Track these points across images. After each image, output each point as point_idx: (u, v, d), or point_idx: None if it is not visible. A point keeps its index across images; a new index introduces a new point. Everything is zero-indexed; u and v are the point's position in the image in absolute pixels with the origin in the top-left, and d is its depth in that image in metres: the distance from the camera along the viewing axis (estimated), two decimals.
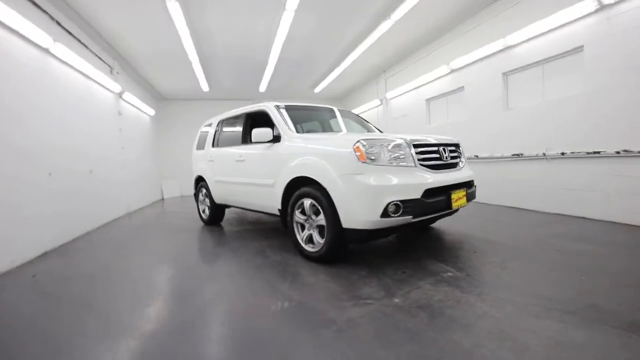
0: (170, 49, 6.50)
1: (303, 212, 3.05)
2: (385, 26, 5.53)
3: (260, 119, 3.92)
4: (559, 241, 3.19)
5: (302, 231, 3.10)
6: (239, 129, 4.33)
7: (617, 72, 3.66)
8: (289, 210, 3.16)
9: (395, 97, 8.25)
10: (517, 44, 4.83)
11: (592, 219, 4.00)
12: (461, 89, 6.15)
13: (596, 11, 3.77)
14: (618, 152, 3.68)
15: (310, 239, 3.02)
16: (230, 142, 4.48)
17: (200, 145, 5.30)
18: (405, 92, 7.84)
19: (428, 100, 7.18)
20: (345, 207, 2.60)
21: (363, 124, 4.42)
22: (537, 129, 4.64)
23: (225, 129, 4.77)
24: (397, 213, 2.51)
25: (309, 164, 2.91)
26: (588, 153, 3.99)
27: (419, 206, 2.58)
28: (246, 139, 4.13)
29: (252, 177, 3.79)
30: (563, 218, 4.18)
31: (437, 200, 2.69)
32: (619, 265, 2.54)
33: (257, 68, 7.79)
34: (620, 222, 3.73)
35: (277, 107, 3.73)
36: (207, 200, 5.04)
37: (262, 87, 9.57)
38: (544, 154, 4.50)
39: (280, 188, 3.26)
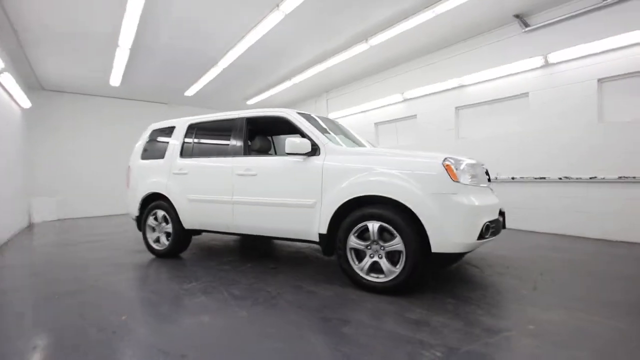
0: (94, 30, 4.96)
1: (360, 237, 2.65)
2: (343, 56, 5.81)
3: (266, 127, 3.29)
4: (541, 251, 3.77)
5: (360, 259, 2.67)
6: (228, 137, 3.54)
7: (555, 117, 4.69)
8: (341, 235, 2.69)
9: (339, 117, 8.46)
10: (470, 85, 5.68)
11: (540, 232, 4.91)
12: (414, 116, 6.77)
13: (542, 67, 4.80)
14: (560, 178, 4.67)
15: (372, 268, 2.62)
16: (218, 152, 3.60)
17: (155, 154, 4.09)
18: (352, 114, 8.13)
19: (377, 124, 7.62)
20: (438, 229, 2.36)
21: (352, 136, 4.18)
22: (487, 157, 5.47)
23: (205, 135, 3.83)
24: (487, 234, 2.45)
25: (384, 182, 2.56)
26: (535, 178, 4.93)
27: (498, 226, 2.60)
28: (247, 149, 3.40)
29: (274, 195, 3.09)
30: (516, 231, 5.00)
31: (502, 220, 2.77)
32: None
33: (199, 67, 6.71)
34: (561, 234, 4.69)
35: (303, 114, 3.22)
36: (169, 226, 3.86)
37: (191, 91, 8.29)
38: (496, 178, 5.32)
39: (329, 209, 2.75)
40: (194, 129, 3.88)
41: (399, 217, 2.47)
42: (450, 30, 5.35)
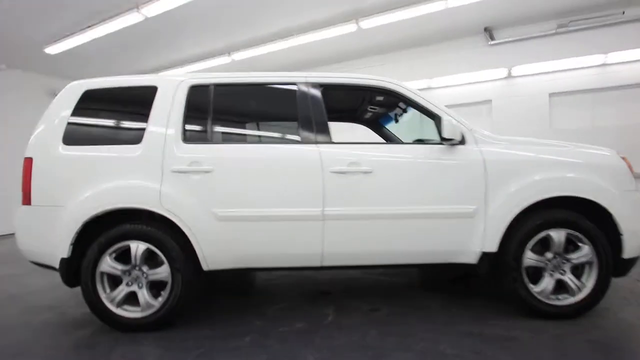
0: None
1: (534, 251, 2.07)
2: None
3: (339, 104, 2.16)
4: None
5: (535, 280, 2.08)
6: (287, 112, 2.22)
7: (514, 121, 5.38)
8: (513, 250, 2.03)
9: None
10: (439, 87, 5.87)
11: None
12: None
13: (505, 78, 5.40)
14: None
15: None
16: (267, 138, 2.19)
17: (106, 137, 2.20)
18: None
19: None
20: (633, 230, 2.06)
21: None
22: None
23: (235, 107, 2.29)
24: None
25: (574, 178, 2.04)
26: None
27: None
28: (329, 132, 2.18)
29: (406, 203, 2.05)
30: None
31: None
32: None
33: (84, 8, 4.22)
34: None
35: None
36: (160, 270, 2.06)
37: (57, 48, 5.21)
38: None
39: (503, 217, 2.02)
40: (206, 95, 2.23)
41: (587, 221, 2.04)
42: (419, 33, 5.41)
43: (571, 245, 2.08)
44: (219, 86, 2.24)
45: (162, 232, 2.06)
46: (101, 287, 2.08)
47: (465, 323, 2.07)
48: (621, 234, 2.04)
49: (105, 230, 2.06)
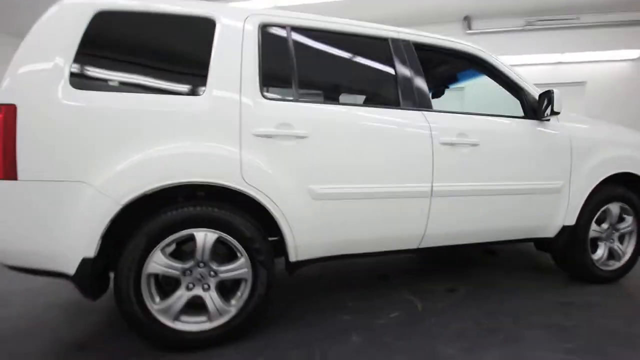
0: None
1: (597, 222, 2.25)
2: None
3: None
4: None
5: (594, 249, 2.26)
6: (383, 71, 1.89)
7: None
8: (585, 221, 2.16)
9: None
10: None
11: None
12: None
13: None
14: None
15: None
16: (364, 97, 1.82)
17: (133, 81, 1.52)
18: None
19: None
20: None
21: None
22: None
23: (321, 59, 1.83)
24: None
25: (634, 157, 2.23)
26: None
27: None
28: (428, 99, 1.92)
29: (510, 178, 1.97)
30: None
31: None
32: None
33: None
34: None
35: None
36: (237, 264, 1.55)
37: None
38: None
39: (582, 192, 2.11)
40: (283, 39, 1.72)
41: (634, 195, 2.29)
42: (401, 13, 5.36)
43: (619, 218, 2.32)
44: (297, 29, 1.75)
45: (240, 215, 1.54)
46: (148, 294, 1.48)
47: (548, 293, 2.14)
48: None
49: (145, 216, 1.45)
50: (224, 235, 1.53)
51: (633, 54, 5.22)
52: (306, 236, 1.65)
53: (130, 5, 1.52)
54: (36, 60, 1.39)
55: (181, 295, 1.52)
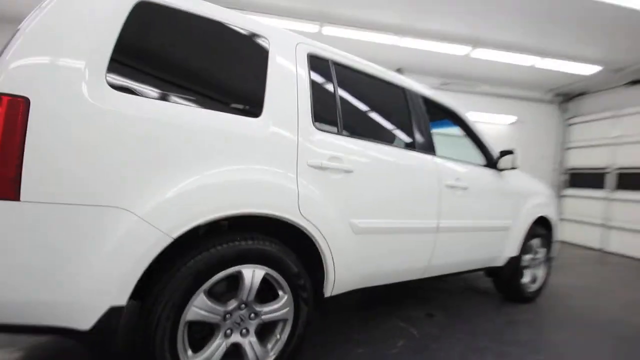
0: None
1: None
2: None
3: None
4: None
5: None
6: (399, 115, 2.09)
7: None
8: (520, 255, 2.75)
9: None
10: None
11: None
12: None
13: None
14: None
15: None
16: (389, 139, 1.97)
17: (188, 89, 1.35)
18: None
19: None
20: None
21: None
22: None
23: (358, 96, 1.88)
24: None
25: (545, 203, 2.95)
26: None
27: None
28: (433, 145, 2.19)
29: (483, 217, 2.36)
30: None
31: None
32: None
33: None
34: None
35: None
36: (277, 306, 1.41)
37: None
38: None
39: (521, 229, 2.68)
40: (327, 72, 1.74)
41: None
42: None
43: None
44: (338, 65, 1.81)
45: (284, 250, 1.45)
46: (182, 348, 1.23)
47: (498, 313, 2.59)
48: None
49: (179, 251, 1.23)
50: (271, 271, 1.40)
51: (510, 119, 6.91)
52: (344, 270, 1.64)
53: (179, 3, 1.32)
54: (58, 45, 1.07)
55: (220, 345, 1.30)
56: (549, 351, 2.06)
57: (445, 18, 4.51)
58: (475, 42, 5.03)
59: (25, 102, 0.99)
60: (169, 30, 1.31)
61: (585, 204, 6.54)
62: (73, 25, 1.10)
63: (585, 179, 6.67)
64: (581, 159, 6.87)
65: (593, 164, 6.45)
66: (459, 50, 5.17)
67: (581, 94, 7.00)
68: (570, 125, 7.26)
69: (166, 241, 1.14)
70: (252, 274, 1.34)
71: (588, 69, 5.50)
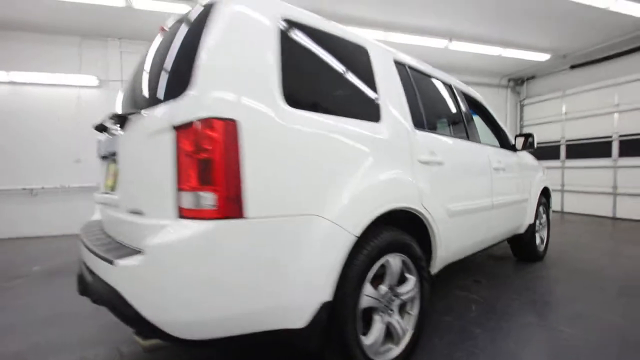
0: None
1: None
2: None
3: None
4: None
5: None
6: (452, 110, 2.37)
7: None
8: (535, 221, 3.23)
9: None
10: None
11: None
12: None
13: None
14: None
15: None
16: (451, 130, 2.25)
17: (331, 100, 1.50)
18: None
19: None
20: None
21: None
22: None
23: (428, 96, 2.10)
24: None
25: (545, 177, 3.47)
26: None
27: None
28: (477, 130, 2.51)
29: (515, 192, 2.75)
30: None
31: None
32: None
33: None
34: None
35: None
36: (408, 286, 1.60)
37: None
38: None
39: (535, 200, 3.14)
40: (407, 76, 1.94)
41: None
42: None
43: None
44: (412, 70, 2.02)
45: (409, 237, 1.65)
46: (361, 334, 1.39)
47: (523, 271, 3.04)
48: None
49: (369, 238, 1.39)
50: (405, 257, 1.60)
51: None
52: (444, 249, 1.88)
53: (310, 20, 1.43)
54: (236, 67, 1.14)
55: (380, 328, 1.47)
56: (570, 294, 2.52)
57: (426, 14, 4.90)
58: (452, 36, 5.52)
59: (237, 124, 1.06)
60: (303, 44, 1.41)
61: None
62: (242, 54, 1.17)
63: (542, 151, 7.67)
64: (536, 135, 7.85)
65: (548, 137, 7.43)
66: (438, 43, 5.62)
67: (530, 77, 7.97)
68: (523, 105, 8.24)
69: (351, 240, 1.28)
70: (394, 262, 1.53)
71: (542, 57, 6.32)
